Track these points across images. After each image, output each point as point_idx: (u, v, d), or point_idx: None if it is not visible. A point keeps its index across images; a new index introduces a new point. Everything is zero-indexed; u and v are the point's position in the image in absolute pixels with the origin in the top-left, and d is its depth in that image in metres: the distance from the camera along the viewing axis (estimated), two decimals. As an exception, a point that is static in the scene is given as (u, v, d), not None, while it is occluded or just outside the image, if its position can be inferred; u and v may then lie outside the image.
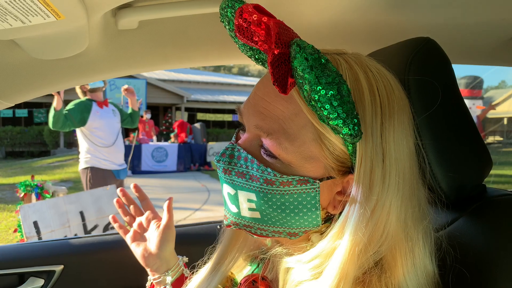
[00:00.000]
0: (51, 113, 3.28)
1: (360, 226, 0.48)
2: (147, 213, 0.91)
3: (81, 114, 3.44)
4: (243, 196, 0.54)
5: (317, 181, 0.51)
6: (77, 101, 3.56)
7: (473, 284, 0.56)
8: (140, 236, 0.89)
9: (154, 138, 11.43)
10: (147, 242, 0.86)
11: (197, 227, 1.28)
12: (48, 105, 16.87)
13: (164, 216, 0.87)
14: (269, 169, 0.51)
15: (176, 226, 1.28)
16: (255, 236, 0.57)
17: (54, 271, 1.10)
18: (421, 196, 0.55)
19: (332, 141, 0.50)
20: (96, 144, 3.52)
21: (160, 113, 18.94)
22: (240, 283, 0.63)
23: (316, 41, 1.02)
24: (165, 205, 0.88)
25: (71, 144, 16.99)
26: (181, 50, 0.92)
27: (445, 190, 0.61)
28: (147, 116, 10.53)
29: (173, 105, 18.48)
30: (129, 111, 3.84)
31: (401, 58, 0.64)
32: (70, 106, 3.47)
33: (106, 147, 3.55)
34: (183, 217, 5.54)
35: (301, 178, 0.50)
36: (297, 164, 0.51)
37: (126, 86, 3.70)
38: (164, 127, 17.11)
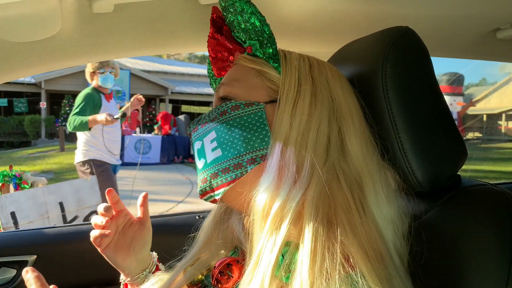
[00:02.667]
0: (78, 122, 3.11)
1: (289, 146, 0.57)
2: (123, 215, 0.81)
3: (94, 111, 3.24)
4: (207, 140, 0.63)
5: (262, 103, 0.60)
6: (85, 94, 3.28)
7: (445, 272, 0.56)
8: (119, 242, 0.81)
9: (138, 129, 11.29)
10: (123, 245, 0.79)
11: (176, 217, 1.27)
12: (28, 95, 16.58)
13: (140, 215, 0.82)
14: (222, 104, 0.62)
15: (155, 217, 1.27)
16: (216, 194, 0.61)
17: (26, 261, 1.08)
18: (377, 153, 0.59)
19: (269, 72, 0.62)
20: (101, 138, 3.30)
21: (143, 104, 18.74)
22: (215, 266, 0.63)
23: (297, 31, 1.01)
24: (139, 202, 0.82)
25: (53, 134, 16.71)
26: (159, 36, 0.89)
27: (420, 180, 0.61)
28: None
29: (157, 96, 18.29)
30: (120, 114, 3.47)
31: (379, 47, 0.64)
32: (80, 101, 3.22)
33: (110, 142, 3.36)
34: (166, 209, 5.51)
35: (247, 102, 0.61)
36: (244, 93, 0.62)
37: (140, 96, 3.46)
38: (147, 119, 16.95)
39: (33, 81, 16.01)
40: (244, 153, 0.59)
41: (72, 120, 3.16)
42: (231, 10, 0.62)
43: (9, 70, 0.86)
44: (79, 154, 3.36)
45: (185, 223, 1.22)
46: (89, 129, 3.17)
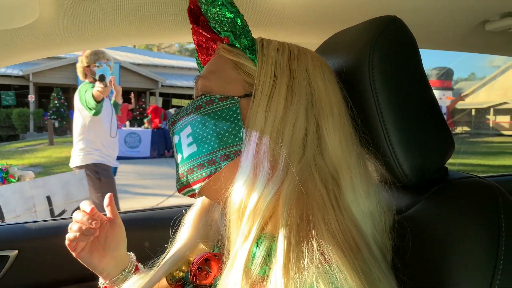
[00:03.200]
0: (94, 103, 2.88)
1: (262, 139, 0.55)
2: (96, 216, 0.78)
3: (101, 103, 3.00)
4: (183, 135, 0.61)
5: (236, 97, 0.59)
6: (91, 86, 3.03)
7: (431, 265, 0.55)
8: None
9: (127, 123, 11.20)
10: (98, 247, 0.78)
11: (162, 211, 1.25)
12: (16, 88, 16.33)
13: (109, 215, 0.80)
14: (198, 98, 0.61)
15: (142, 210, 1.25)
16: (193, 189, 0.60)
17: (8, 256, 1.05)
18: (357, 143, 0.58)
19: (245, 64, 0.60)
20: (102, 138, 3.08)
21: (134, 97, 18.62)
22: (193, 262, 0.62)
23: (285, 22, 0.99)
24: (105, 203, 0.80)
25: (42, 128, 16.51)
26: (142, 24, 0.87)
27: (406, 172, 0.60)
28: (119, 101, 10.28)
29: (147, 90, 18.14)
30: (112, 101, 3.36)
31: (366, 37, 0.62)
32: (89, 88, 2.96)
33: (109, 142, 3.14)
34: (155, 203, 5.48)
35: (222, 96, 0.59)
36: (220, 87, 0.60)
37: (112, 79, 3.14)
38: (137, 112, 16.83)
39: (21, 73, 15.78)
40: (218, 149, 0.58)
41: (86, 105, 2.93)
42: (204, 0, 0.60)
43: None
44: (83, 157, 3.05)
45: (171, 217, 1.20)
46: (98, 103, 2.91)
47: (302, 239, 0.48)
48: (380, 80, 0.59)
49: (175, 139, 0.64)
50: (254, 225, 0.50)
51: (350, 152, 0.56)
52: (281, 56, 0.60)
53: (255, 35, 0.62)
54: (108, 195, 0.80)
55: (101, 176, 3.08)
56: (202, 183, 0.59)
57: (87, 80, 3.10)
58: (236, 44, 0.61)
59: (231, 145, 0.58)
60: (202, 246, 0.72)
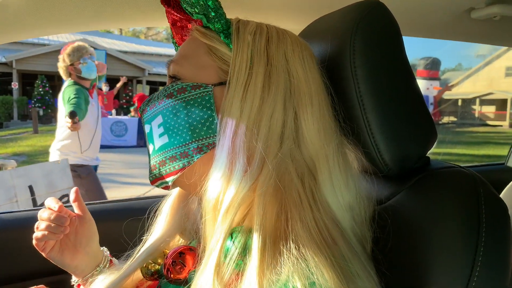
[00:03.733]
0: (82, 104, 2.77)
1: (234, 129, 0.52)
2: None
3: (86, 106, 2.88)
4: (155, 124, 0.58)
5: (210, 85, 0.55)
6: (77, 89, 2.86)
7: (410, 256, 0.54)
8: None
9: (113, 111, 11.06)
10: (68, 244, 0.75)
11: (141, 201, 1.22)
12: (-1, 75, 15.99)
13: (78, 211, 0.77)
14: (171, 85, 0.57)
15: (117, 201, 1.23)
16: (166, 182, 0.58)
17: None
18: (338, 133, 0.56)
19: (220, 49, 0.56)
20: (83, 142, 2.96)
21: (120, 87, 18.48)
22: (167, 256, 0.60)
23: (266, 4, 0.96)
24: (71, 198, 0.77)
25: (26, 116, 16.22)
26: (116, 7, 0.83)
27: (387, 162, 0.59)
28: (105, 88, 10.13)
29: (134, 78, 17.93)
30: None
31: (348, 21, 0.60)
32: (73, 95, 2.81)
33: (90, 146, 3.01)
34: (142, 192, 5.44)
35: (195, 84, 0.56)
36: (192, 74, 0.57)
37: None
38: (124, 101, 16.64)
39: (3, 60, 15.42)
40: (190, 141, 0.55)
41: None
42: None
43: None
44: (56, 156, 3.01)
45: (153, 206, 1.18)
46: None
47: (277, 237, 0.46)
48: (361, 66, 0.57)
49: (146, 128, 0.61)
50: (226, 223, 0.48)
51: (329, 143, 0.54)
52: (258, 40, 0.56)
53: (231, 17, 0.59)
54: (73, 189, 0.77)
55: (80, 174, 3.00)
56: (175, 176, 0.57)
57: (70, 79, 2.95)
58: (210, 26, 0.57)
59: (204, 137, 0.55)
60: (178, 237, 0.70)
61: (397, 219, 0.57)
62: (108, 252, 0.81)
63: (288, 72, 0.55)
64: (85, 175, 3.03)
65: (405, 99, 0.60)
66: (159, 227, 0.68)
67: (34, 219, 1.01)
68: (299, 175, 0.51)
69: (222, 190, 0.50)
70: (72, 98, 2.80)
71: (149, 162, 0.61)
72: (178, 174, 0.56)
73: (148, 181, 0.62)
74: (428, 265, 0.52)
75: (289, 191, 0.49)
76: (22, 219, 1.10)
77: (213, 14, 0.56)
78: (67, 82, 2.96)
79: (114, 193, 5.05)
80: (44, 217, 0.71)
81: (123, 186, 5.80)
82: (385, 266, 0.52)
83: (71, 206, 1.07)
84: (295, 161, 0.52)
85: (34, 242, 0.70)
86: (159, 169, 0.58)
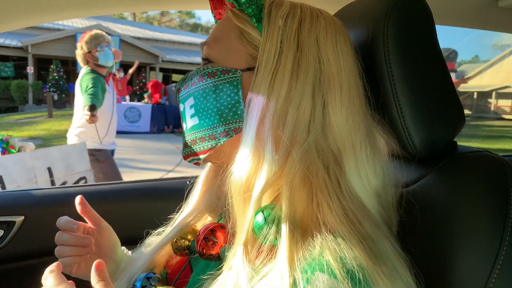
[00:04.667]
0: (99, 94, 2.81)
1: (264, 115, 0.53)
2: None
3: (103, 94, 2.93)
4: (187, 105, 0.60)
5: (239, 71, 0.56)
6: (94, 77, 2.90)
7: (437, 238, 0.56)
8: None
9: (127, 97, 11.14)
10: (94, 258, 0.69)
11: (166, 181, 1.25)
12: (15, 59, 16.14)
13: (90, 223, 0.75)
14: (202, 68, 0.59)
15: (145, 181, 1.26)
16: (200, 156, 0.60)
17: (14, 222, 1.06)
18: (370, 124, 0.57)
19: (251, 34, 0.56)
20: (99, 128, 3.01)
21: (133, 72, 18.58)
22: (200, 232, 0.62)
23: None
24: (79, 210, 0.73)
25: (41, 100, 16.41)
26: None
27: (417, 145, 0.60)
28: (120, 74, 10.20)
29: (147, 64, 17.96)
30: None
31: (381, 6, 0.61)
32: (91, 85, 2.84)
33: (107, 131, 3.08)
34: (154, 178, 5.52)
35: (224, 68, 0.57)
36: (223, 57, 0.58)
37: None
38: (137, 87, 16.71)
39: (19, 44, 15.58)
40: (218, 124, 0.57)
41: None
42: None
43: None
44: (75, 141, 3.03)
45: (176, 187, 1.21)
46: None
47: (308, 219, 0.48)
48: (394, 51, 0.58)
49: (181, 107, 0.63)
50: (252, 205, 0.50)
51: (357, 130, 0.54)
52: (290, 24, 0.55)
53: None
54: (78, 200, 0.72)
55: (99, 158, 3.07)
56: (204, 155, 0.60)
57: (88, 67, 2.99)
58: (244, 9, 0.56)
59: (231, 121, 0.56)
60: (206, 215, 0.72)
61: (424, 201, 0.58)
62: (130, 252, 0.81)
63: (319, 59, 0.54)
64: (103, 159, 3.10)
65: (436, 84, 0.61)
66: (190, 205, 0.69)
67: (63, 195, 1.05)
68: (325, 164, 0.51)
69: (246, 174, 0.51)
70: (90, 88, 2.84)
71: (183, 138, 0.64)
72: (207, 154, 0.59)
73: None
74: (454, 246, 0.53)
75: (316, 179, 0.50)
76: (57, 195, 1.14)
77: (260, 2, 0.55)
78: (85, 69, 3.00)
79: (127, 178, 5.11)
80: (66, 241, 0.68)
81: (136, 171, 5.87)
82: (409, 247, 0.54)
83: (90, 185, 1.10)
84: (321, 150, 0.52)
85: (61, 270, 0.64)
86: (191, 147, 0.61)
